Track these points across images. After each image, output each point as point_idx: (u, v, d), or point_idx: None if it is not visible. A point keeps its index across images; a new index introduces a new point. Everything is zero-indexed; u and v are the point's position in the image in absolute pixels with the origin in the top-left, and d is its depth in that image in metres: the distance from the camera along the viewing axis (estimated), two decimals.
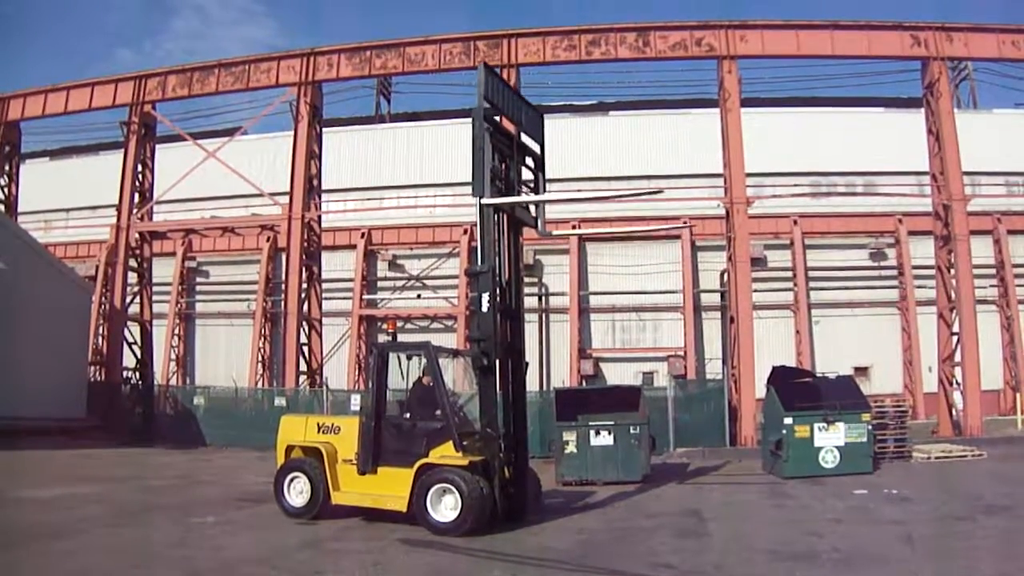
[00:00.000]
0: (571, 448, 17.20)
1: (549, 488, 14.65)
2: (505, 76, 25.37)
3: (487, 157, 11.72)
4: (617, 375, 34.63)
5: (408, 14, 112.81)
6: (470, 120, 11.86)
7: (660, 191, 11.97)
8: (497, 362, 11.56)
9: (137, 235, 30.43)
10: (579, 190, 32.34)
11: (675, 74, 36.68)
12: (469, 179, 11.70)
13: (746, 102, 27.58)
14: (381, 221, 37.66)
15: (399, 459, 11.47)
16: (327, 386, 28.24)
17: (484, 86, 11.97)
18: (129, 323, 30.71)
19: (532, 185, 13.52)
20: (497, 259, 11.76)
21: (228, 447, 26.02)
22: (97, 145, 44.21)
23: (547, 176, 13.60)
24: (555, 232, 17.24)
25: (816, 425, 17.12)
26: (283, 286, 29.92)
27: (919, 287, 33.08)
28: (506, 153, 12.60)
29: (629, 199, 11.00)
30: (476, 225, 11.73)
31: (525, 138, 13.47)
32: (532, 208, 13.32)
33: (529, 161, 13.46)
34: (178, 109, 35.00)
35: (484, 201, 11.58)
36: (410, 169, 38.63)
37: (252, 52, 41.48)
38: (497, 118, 12.52)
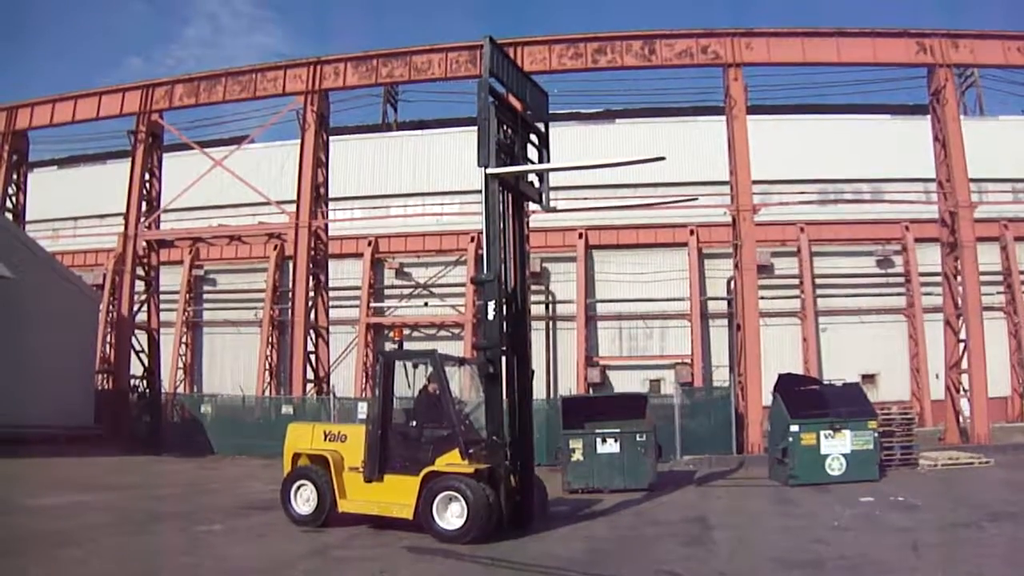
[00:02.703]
0: (577, 456, 17.20)
1: (555, 496, 14.66)
2: None
3: (492, 128, 11.74)
4: (624, 383, 34.55)
5: (415, 20, 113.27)
6: (476, 126, 11.87)
7: (663, 158, 11.88)
8: (503, 370, 11.58)
9: (144, 243, 30.52)
10: (585, 198, 32.40)
11: (681, 82, 36.77)
12: (476, 187, 11.72)
13: (752, 109, 27.55)
14: (388, 229, 37.70)
15: (405, 467, 11.49)
16: (334, 394, 28.28)
17: (489, 60, 12.04)
18: (136, 331, 30.78)
19: (537, 162, 13.52)
20: (503, 266, 11.78)
21: (235, 455, 26.07)
22: (105, 154, 44.38)
23: (553, 183, 13.63)
24: (560, 210, 17.25)
25: (822, 432, 17.09)
26: (290, 294, 29.94)
27: (926, 294, 32.95)
28: (511, 128, 12.63)
29: (632, 164, 11.15)
30: (482, 206, 11.72)
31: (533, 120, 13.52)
32: (537, 185, 13.35)
33: (534, 139, 13.51)
34: (185, 118, 35.12)
35: (489, 171, 11.58)
36: (417, 177, 38.68)
37: (261, 59, 41.76)
38: (503, 92, 12.58)
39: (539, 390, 25.41)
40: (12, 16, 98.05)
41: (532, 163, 13.37)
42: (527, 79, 13.61)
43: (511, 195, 12.46)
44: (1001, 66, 28.11)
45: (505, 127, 12.41)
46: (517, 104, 13.57)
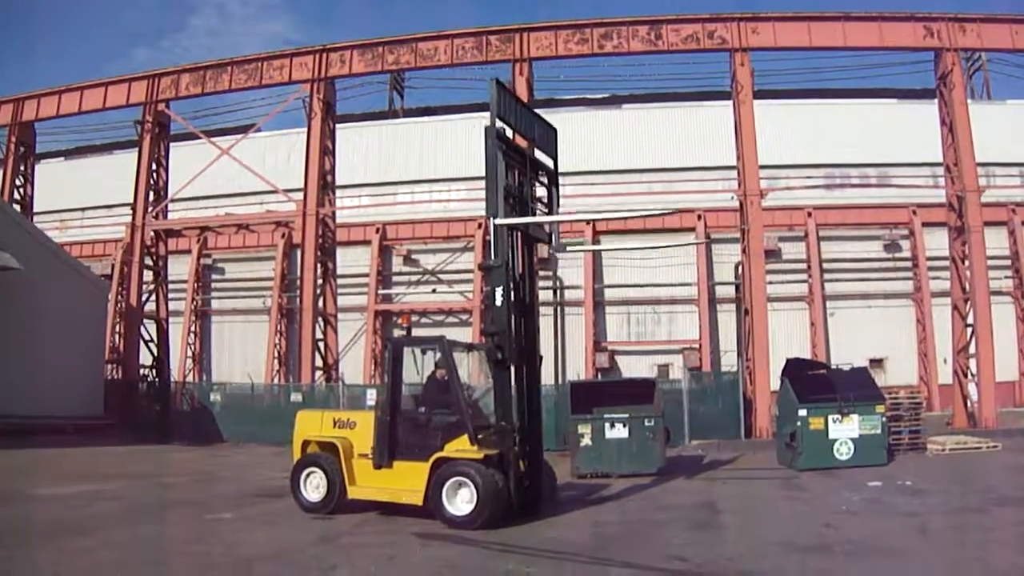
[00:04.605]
0: (586, 441, 17.19)
1: (564, 481, 14.66)
2: (517, 70, 25.49)
3: (500, 176, 11.55)
4: (632, 368, 34.65)
5: (421, 6, 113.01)
6: (483, 114, 11.77)
7: (676, 211, 11.86)
8: (511, 356, 11.58)
9: (152, 233, 30.61)
10: (592, 183, 32.44)
11: (688, 67, 36.49)
12: (483, 173, 11.65)
13: (759, 94, 27.51)
14: (396, 216, 37.76)
15: (415, 453, 11.48)
16: (343, 381, 28.35)
17: (496, 103, 11.77)
18: (145, 321, 30.91)
19: (546, 200, 13.29)
20: (511, 253, 11.74)
21: (245, 443, 26.17)
22: (112, 144, 44.43)
23: (560, 169, 13.53)
24: (569, 248, 17.08)
25: (830, 417, 17.09)
26: (298, 282, 30.03)
27: (934, 278, 32.94)
28: (519, 170, 12.41)
29: (644, 217, 10.90)
30: (490, 237, 11.59)
31: (538, 154, 13.34)
32: (546, 224, 13.27)
33: (543, 177, 13.27)
34: (192, 107, 35.24)
35: (498, 221, 11.50)
36: (424, 164, 38.66)
37: (269, 47, 41.71)
38: (510, 134, 12.39)
39: (547, 375, 25.46)
40: (18, 8, 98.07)
41: (542, 202, 13.14)
42: (534, 116, 13.27)
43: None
44: (1009, 50, 28.01)
45: (514, 170, 12.21)
46: (523, 142, 13.35)
